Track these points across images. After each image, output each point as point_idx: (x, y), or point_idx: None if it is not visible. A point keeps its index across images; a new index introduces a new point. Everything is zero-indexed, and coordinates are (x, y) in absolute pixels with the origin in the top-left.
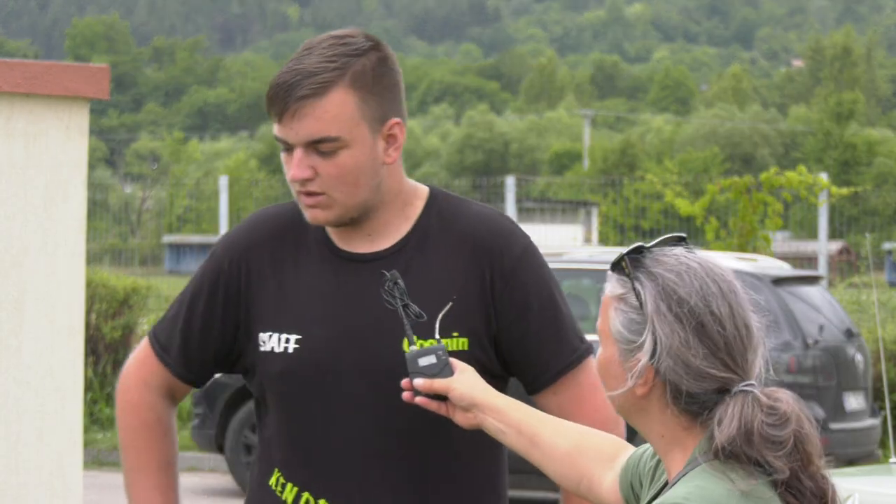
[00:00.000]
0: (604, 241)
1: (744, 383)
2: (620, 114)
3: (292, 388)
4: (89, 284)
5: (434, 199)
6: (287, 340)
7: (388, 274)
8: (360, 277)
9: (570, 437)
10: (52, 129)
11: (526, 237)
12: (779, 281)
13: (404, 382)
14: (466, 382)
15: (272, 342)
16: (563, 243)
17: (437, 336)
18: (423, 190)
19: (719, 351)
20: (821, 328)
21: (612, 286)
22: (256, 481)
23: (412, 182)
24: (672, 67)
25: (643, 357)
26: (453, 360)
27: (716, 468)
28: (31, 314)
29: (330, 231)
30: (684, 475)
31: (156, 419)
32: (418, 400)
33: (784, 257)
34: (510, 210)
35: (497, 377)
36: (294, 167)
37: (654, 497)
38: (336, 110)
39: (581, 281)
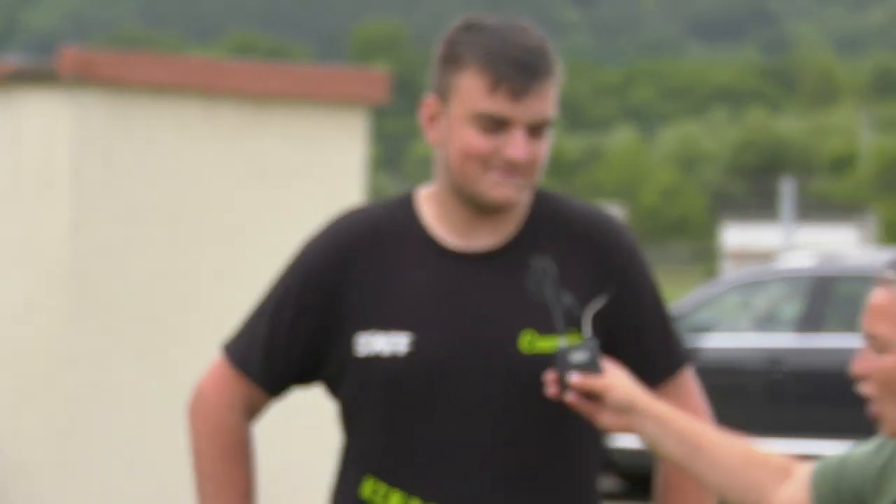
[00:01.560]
0: (886, 243)
1: None
2: None
3: (405, 390)
4: None
5: (540, 193)
6: (397, 342)
7: (537, 263)
8: (476, 274)
9: (736, 447)
10: (330, 134)
11: (633, 234)
12: None
13: (550, 377)
14: (626, 383)
15: (378, 344)
16: (842, 246)
17: (588, 332)
18: None
19: None
20: None
21: None
22: (340, 495)
23: None
24: None
25: None
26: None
27: None
28: None
29: (436, 230)
30: None
31: (237, 442)
32: (570, 398)
33: None
34: (788, 212)
35: None
36: (520, 148)
37: None
38: (554, 92)
39: (862, 286)
